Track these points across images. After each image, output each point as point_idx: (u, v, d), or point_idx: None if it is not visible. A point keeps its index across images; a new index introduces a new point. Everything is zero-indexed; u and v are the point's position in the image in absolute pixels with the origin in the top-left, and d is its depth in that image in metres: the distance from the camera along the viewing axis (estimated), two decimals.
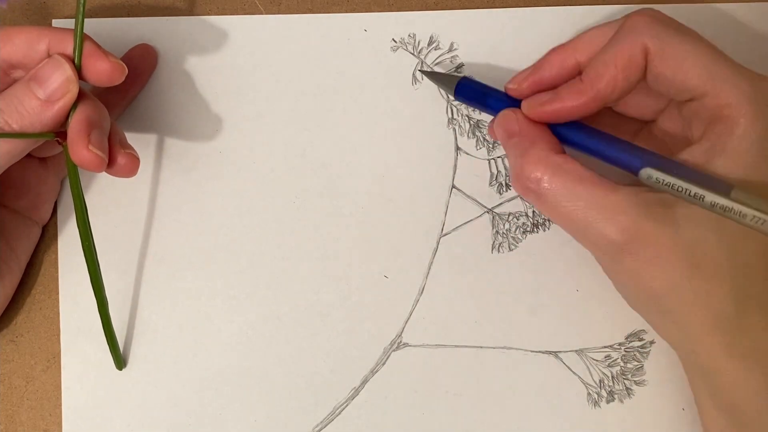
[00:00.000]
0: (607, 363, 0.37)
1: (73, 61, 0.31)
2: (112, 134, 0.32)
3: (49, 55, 0.31)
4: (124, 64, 0.32)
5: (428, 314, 0.37)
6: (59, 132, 0.31)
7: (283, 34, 0.38)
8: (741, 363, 0.30)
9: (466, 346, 0.37)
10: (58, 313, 0.37)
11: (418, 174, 0.38)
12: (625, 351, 0.37)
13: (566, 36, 0.38)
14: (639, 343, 0.37)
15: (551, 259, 0.37)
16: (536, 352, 0.37)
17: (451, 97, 0.37)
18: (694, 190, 0.29)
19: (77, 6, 0.30)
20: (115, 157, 0.32)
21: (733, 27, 0.38)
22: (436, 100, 0.38)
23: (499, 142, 0.35)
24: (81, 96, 0.31)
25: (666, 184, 0.29)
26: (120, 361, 0.36)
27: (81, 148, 0.30)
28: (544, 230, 0.37)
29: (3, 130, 0.30)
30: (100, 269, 0.34)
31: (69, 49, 0.31)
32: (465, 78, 0.36)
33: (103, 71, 0.31)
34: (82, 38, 0.31)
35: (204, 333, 0.37)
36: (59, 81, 0.30)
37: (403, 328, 0.37)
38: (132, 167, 0.33)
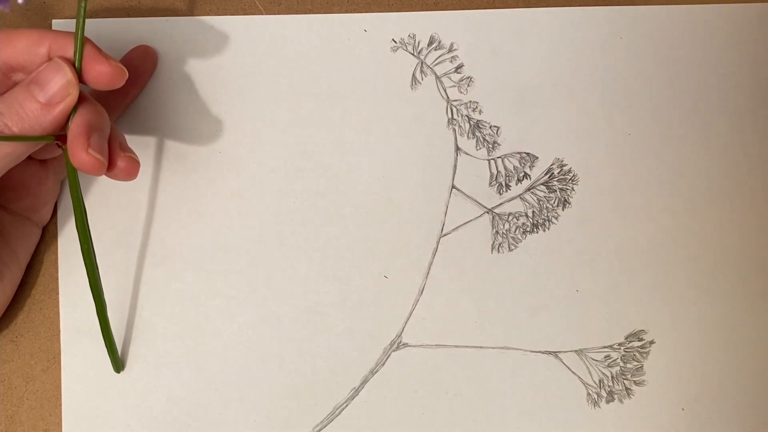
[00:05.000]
0: (606, 363, 0.37)
1: (74, 65, 0.31)
2: (112, 137, 0.32)
3: (49, 58, 0.31)
4: (124, 68, 0.32)
5: (428, 314, 0.37)
6: (59, 135, 0.31)
7: (283, 34, 0.38)
8: None
9: (466, 346, 0.37)
10: (58, 313, 0.37)
11: (418, 174, 0.38)
12: (625, 351, 0.37)
13: (565, 37, 0.38)
14: (639, 343, 0.37)
15: (551, 259, 0.37)
16: (536, 352, 0.37)
17: (452, 97, 0.37)
18: None
19: (78, 9, 0.30)
20: (115, 160, 0.32)
21: (733, 27, 0.38)
22: (436, 100, 0.38)
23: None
24: (81, 99, 0.31)
25: None
26: (118, 365, 0.36)
27: (81, 152, 0.30)
28: (544, 230, 0.38)
29: (3, 133, 0.30)
30: (99, 273, 0.34)
31: (69, 52, 0.31)
32: None
33: (103, 75, 0.31)
34: (83, 42, 0.31)
35: (204, 333, 0.37)
36: (59, 84, 0.30)
37: (403, 328, 0.37)
38: (132, 171, 0.32)
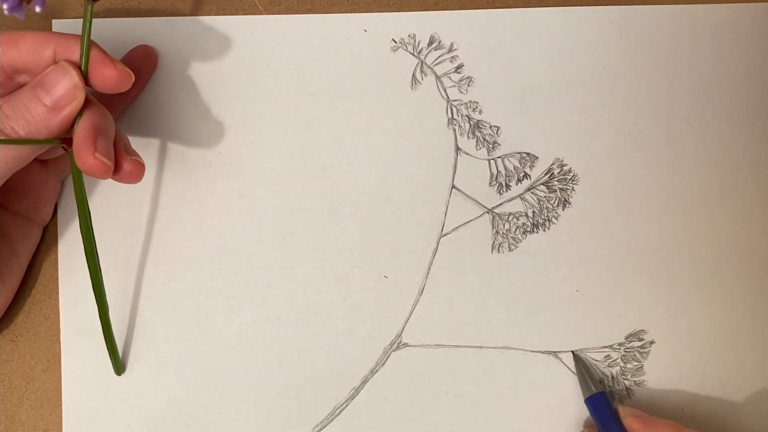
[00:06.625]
0: (607, 363, 0.37)
1: (80, 68, 0.31)
2: (117, 140, 0.32)
3: (55, 61, 0.31)
4: (131, 72, 0.32)
5: (428, 314, 0.37)
6: (65, 138, 0.31)
7: (283, 34, 0.38)
8: None
9: (466, 346, 0.37)
10: (58, 313, 0.37)
11: (418, 174, 0.38)
12: (625, 351, 0.37)
13: (565, 37, 0.38)
14: (639, 343, 0.37)
15: (551, 259, 0.37)
16: (536, 352, 0.37)
17: (452, 97, 0.37)
18: None
19: (84, 13, 0.30)
20: (121, 163, 0.32)
21: (733, 27, 0.38)
22: (436, 100, 0.38)
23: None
24: (87, 102, 0.31)
25: None
26: (119, 367, 0.36)
27: (87, 156, 0.30)
28: (544, 230, 0.38)
29: (9, 136, 0.30)
30: (102, 277, 0.34)
31: (75, 54, 0.31)
32: (602, 394, 0.36)
33: (109, 78, 0.31)
34: (89, 45, 0.31)
35: (204, 333, 0.37)
36: (66, 88, 0.30)
37: (403, 328, 0.37)
38: (137, 174, 0.32)
